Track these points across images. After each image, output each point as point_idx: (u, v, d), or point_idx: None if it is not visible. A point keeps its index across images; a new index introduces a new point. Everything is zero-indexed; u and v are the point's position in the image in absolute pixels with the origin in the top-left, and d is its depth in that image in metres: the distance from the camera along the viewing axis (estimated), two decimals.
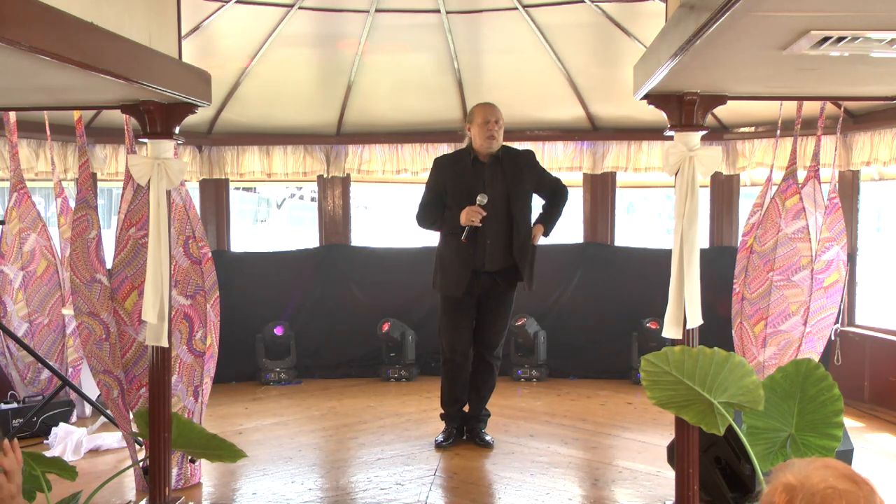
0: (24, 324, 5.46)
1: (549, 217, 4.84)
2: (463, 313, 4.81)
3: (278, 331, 6.65)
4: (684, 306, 3.41)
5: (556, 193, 4.87)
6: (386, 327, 6.65)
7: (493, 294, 4.79)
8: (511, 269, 4.72)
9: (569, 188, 5.00)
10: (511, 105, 6.68)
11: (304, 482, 4.38)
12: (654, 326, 6.40)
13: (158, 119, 3.56)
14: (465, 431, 5.01)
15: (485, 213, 4.56)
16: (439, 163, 4.93)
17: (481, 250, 4.65)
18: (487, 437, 4.94)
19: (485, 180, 4.66)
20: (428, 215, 4.80)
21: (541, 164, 5.00)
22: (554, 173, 6.95)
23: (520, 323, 6.59)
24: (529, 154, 4.91)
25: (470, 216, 4.55)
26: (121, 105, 3.57)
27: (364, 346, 6.87)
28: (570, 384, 6.65)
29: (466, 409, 5.02)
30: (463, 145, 4.90)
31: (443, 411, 5.02)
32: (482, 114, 4.69)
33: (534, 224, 4.80)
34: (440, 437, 4.96)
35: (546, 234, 4.82)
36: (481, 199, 4.57)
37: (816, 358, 4.68)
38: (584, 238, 7.16)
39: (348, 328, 6.87)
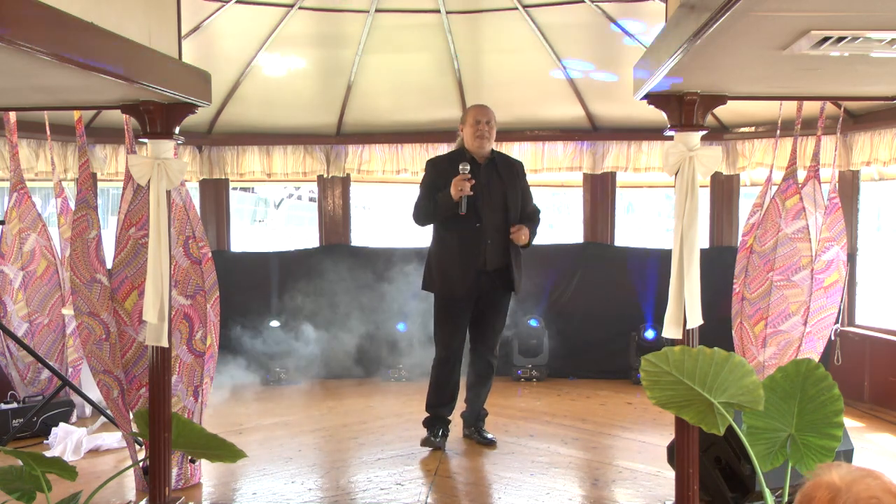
0: (24, 324, 5.46)
1: (530, 228, 4.78)
2: (460, 315, 4.81)
3: (274, 323, 6.73)
4: (684, 306, 3.41)
5: (533, 214, 4.87)
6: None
7: (491, 294, 4.78)
8: (507, 269, 4.73)
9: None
10: (511, 105, 6.71)
11: (304, 482, 4.38)
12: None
13: (158, 119, 3.55)
14: (464, 431, 5.04)
15: (473, 181, 4.53)
16: (436, 162, 4.91)
17: (483, 250, 4.65)
18: (489, 435, 4.97)
19: (481, 180, 4.64)
20: (423, 209, 4.75)
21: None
22: (554, 173, 7.08)
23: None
24: (521, 165, 4.98)
25: (458, 186, 4.52)
26: (121, 105, 3.57)
27: (364, 345, 6.86)
28: (570, 384, 6.65)
29: (464, 408, 5.04)
30: (455, 146, 4.91)
31: (428, 413, 4.93)
32: (474, 114, 4.75)
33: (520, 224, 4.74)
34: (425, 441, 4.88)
35: (528, 243, 4.76)
36: (463, 167, 4.56)
37: (816, 358, 4.68)
38: (584, 238, 7.16)
39: (348, 328, 6.87)
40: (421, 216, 4.78)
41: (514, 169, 4.86)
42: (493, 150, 4.83)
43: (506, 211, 4.70)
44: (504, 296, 4.84)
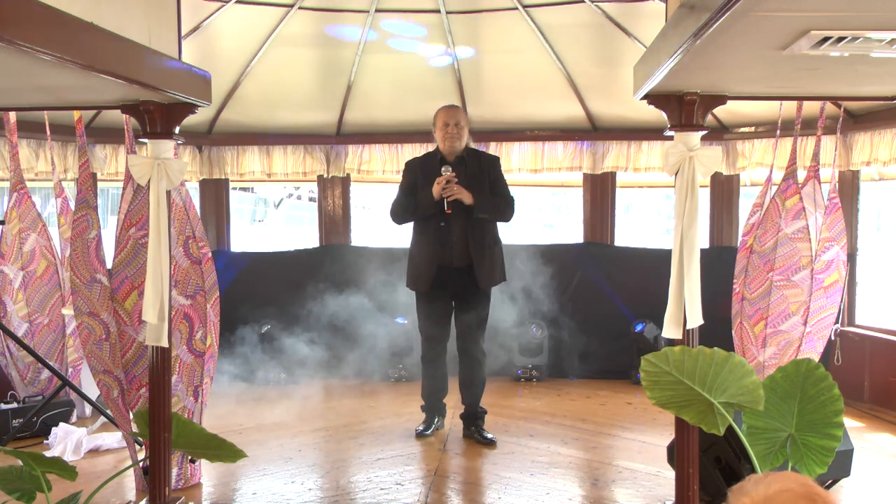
0: (24, 324, 5.46)
1: (488, 198, 4.81)
2: (437, 309, 4.99)
3: (274, 323, 6.73)
4: (684, 306, 3.41)
5: (500, 196, 4.90)
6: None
7: (466, 289, 4.91)
8: (472, 266, 4.85)
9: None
10: (511, 105, 6.72)
11: (304, 482, 4.38)
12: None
13: (158, 119, 3.55)
14: (464, 431, 5.09)
15: (456, 179, 4.73)
16: (410, 165, 5.12)
17: (448, 247, 4.83)
18: (489, 435, 5.00)
19: None
20: (400, 208, 4.97)
21: (503, 174, 5.05)
22: (554, 173, 7.08)
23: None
24: (494, 159, 5.08)
25: (442, 185, 4.72)
26: (121, 105, 3.57)
27: (364, 345, 6.86)
28: (570, 384, 6.65)
29: (462, 407, 5.12)
30: (432, 147, 5.11)
31: (423, 402, 5.20)
32: (443, 117, 4.92)
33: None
34: (420, 427, 5.15)
35: (476, 205, 4.75)
36: (445, 169, 4.77)
37: (816, 358, 4.68)
38: (584, 238, 7.16)
39: (348, 328, 6.87)
40: (398, 214, 4.99)
41: (483, 165, 4.93)
42: (467, 147, 4.94)
43: (467, 210, 4.78)
44: (480, 291, 4.93)
